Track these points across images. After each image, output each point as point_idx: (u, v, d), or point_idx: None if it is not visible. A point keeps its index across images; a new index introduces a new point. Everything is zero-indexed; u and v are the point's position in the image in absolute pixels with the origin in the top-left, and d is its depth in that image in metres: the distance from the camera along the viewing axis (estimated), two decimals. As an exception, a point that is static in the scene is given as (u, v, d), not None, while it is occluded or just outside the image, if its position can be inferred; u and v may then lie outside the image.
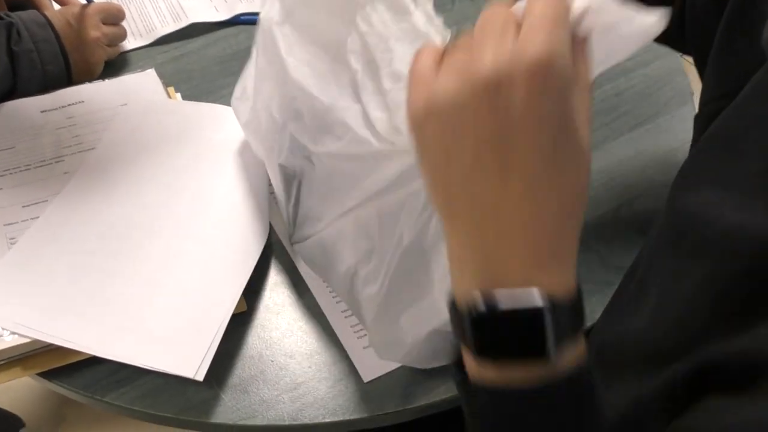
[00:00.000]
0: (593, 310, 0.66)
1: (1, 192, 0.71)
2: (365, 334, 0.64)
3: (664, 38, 0.53)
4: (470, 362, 0.36)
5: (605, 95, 0.84)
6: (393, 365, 0.61)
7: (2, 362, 0.60)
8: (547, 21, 0.32)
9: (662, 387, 0.39)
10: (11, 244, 0.66)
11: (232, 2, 0.94)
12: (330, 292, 0.67)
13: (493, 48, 0.32)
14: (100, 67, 0.83)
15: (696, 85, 0.87)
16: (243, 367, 0.62)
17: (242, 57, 0.88)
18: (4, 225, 0.68)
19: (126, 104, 0.79)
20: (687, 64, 0.90)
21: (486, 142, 0.33)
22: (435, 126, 0.34)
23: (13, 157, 0.74)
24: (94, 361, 0.60)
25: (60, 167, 0.73)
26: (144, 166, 0.73)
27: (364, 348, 0.63)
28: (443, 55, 0.35)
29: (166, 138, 0.75)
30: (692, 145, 0.54)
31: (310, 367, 0.62)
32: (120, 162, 0.73)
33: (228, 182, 0.72)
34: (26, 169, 0.73)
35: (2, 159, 0.74)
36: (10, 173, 0.73)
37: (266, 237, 0.69)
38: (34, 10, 0.80)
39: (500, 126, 0.32)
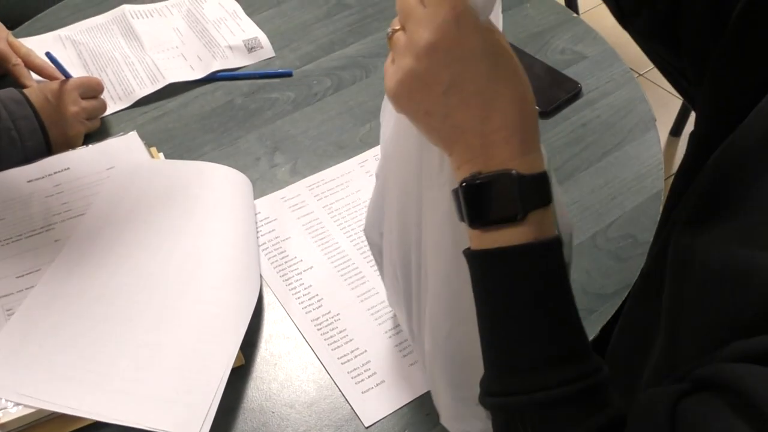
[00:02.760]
0: (578, 338, 0.69)
1: (-5, 265, 0.72)
2: (362, 380, 0.66)
3: (655, 35, 0.58)
4: (470, 236, 0.46)
5: (572, 126, 0.88)
6: (393, 408, 0.63)
7: (9, 434, 0.61)
8: None
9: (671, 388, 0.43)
10: (8, 315, 0.67)
11: (207, 60, 0.97)
12: (325, 340, 0.69)
13: (414, 20, 0.43)
14: (80, 140, 0.84)
15: (657, 110, 0.92)
16: (245, 421, 0.64)
17: (220, 113, 0.91)
18: (0, 297, 0.69)
19: (112, 167, 0.81)
20: (647, 90, 0.94)
21: (447, 86, 0.43)
22: (408, 94, 0.45)
23: (3, 229, 0.75)
24: (100, 426, 0.61)
25: (51, 235, 0.75)
26: (134, 228, 0.74)
27: (362, 393, 0.65)
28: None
29: (154, 199, 0.77)
30: (683, 162, 0.56)
31: (311, 416, 0.64)
32: (110, 226, 0.75)
33: (218, 238, 0.73)
34: (17, 240, 0.74)
35: None
36: (2, 245, 0.74)
37: (259, 290, 0.71)
38: (11, 88, 0.81)
39: (450, 70, 0.43)
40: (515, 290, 0.44)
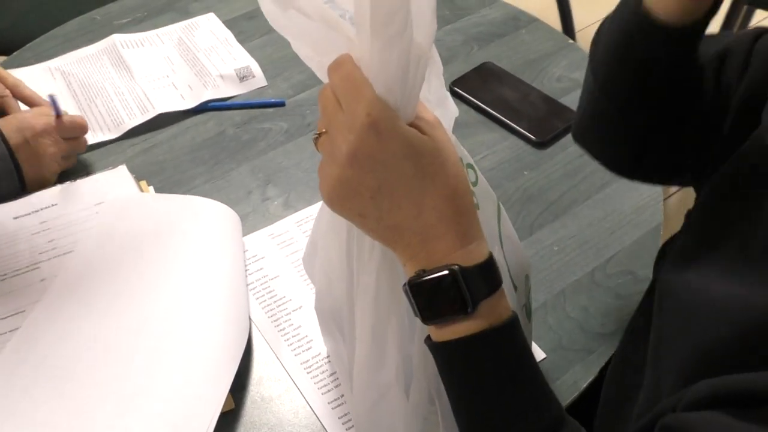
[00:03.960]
0: (577, 380, 0.67)
1: (-24, 306, 0.70)
2: (353, 426, 0.64)
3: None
4: (429, 330, 0.47)
5: (570, 157, 0.86)
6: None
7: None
8: (352, 87, 0.43)
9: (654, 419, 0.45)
10: (-9, 360, 0.66)
11: (198, 90, 0.95)
12: (315, 383, 0.67)
13: (334, 127, 0.44)
14: (54, 178, 0.82)
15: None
16: (234, 470, 0.62)
17: (211, 145, 0.90)
18: (-18, 341, 0.67)
19: (101, 203, 0.79)
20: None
21: (375, 191, 0.44)
22: (340, 200, 0.46)
23: None
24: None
25: (37, 274, 0.73)
26: (122, 268, 0.73)
27: (353, 439, 0.63)
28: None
29: (142, 237, 0.75)
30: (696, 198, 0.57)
31: (301, 464, 0.62)
32: (97, 266, 0.73)
33: (207, 278, 0.72)
34: (2, 279, 0.73)
35: None
36: (-14, 285, 0.72)
37: (248, 331, 0.69)
38: None
39: (375, 175, 0.44)
40: (480, 374, 0.46)
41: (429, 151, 0.44)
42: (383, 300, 0.49)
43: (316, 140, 0.47)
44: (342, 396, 0.66)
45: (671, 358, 0.49)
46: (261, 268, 0.76)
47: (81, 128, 0.84)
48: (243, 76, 0.97)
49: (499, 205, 0.56)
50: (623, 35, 0.56)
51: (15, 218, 0.78)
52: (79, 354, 0.66)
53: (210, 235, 0.76)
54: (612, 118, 0.61)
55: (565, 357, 0.68)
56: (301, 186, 0.85)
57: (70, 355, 0.66)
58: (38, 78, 0.95)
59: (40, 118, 0.81)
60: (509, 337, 0.46)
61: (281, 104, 0.94)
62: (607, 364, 0.67)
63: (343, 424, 0.64)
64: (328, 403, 0.66)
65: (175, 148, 0.89)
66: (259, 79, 0.97)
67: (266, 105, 0.94)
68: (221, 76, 0.96)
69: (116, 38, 1.02)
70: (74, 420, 0.62)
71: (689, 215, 0.55)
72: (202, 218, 0.77)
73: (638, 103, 0.58)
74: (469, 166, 0.52)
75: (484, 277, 0.45)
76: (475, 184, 0.53)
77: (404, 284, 0.47)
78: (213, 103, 0.94)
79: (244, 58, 0.99)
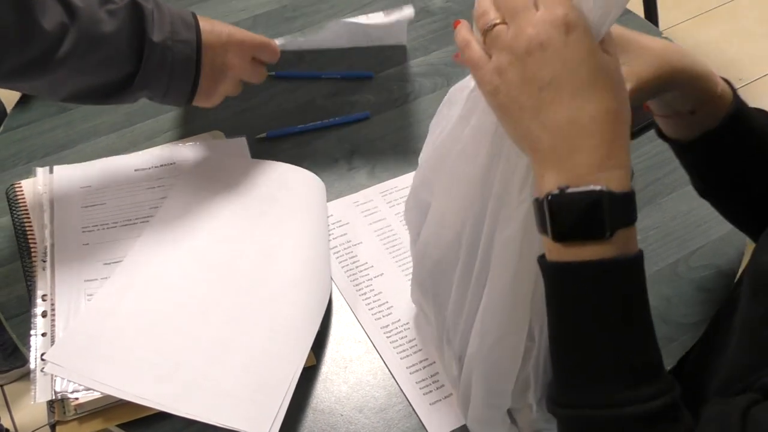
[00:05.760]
0: (655, 367, 0.67)
1: (87, 247, 0.73)
2: (430, 390, 0.65)
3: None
4: (549, 247, 0.46)
5: (656, 150, 0.86)
6: (460, 422, 0.63)
7: (82, 414, 0.63)
8: None
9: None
10: (89, 300, 0.69)
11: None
12: (394, 348, 0.69)
13: (524, 18, 0.44)
14: (220, 99, 0.78)
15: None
16: (314, 421, 0.64)
17: (300, 113, 0.91)
18: (85, 281, 0.71)
19: (218, 169, 0.80)
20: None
21: (546, 83, 0.44)
22: (507, 88, 0.45)
23: (102, 214, 0.76)
24: (166, 415, 0.62)
25: (144, 227, 0.75)
26: (212, 223, 0.75)
27: (430, 404, 0.64)
28: (482, 34, 0.47)
29: (235, 195, 0.78)
30: None
31: (378, 422, 0.64)
32: (189, 218, 0.76)
33: (292, 239, 0.74)
34: (113, 227, 0.75)
35: (94, 214, 0.76)
36: (99, 229, 0.75)
37: (330, 292, 0.71)
38: (189, 10, 0.73)
39: (552, 68, 0.44)
40: (598, 304, 0.45)
41: (608, 70, 0.45)
42: (526, 255, 0.49)
43: (489, 29, 0.46)
44: (420, 362, 0.67)
45: (764, 337, 0.49)
46: (345, 234, 0.78)
47: (272, 53, 0.79)
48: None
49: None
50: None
51: (136, 170, 0.81)
52: (167, 301, 0.69)
53: (297, 199, 0.78)
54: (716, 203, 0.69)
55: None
56: (386, 158, 0.86)
57: (159, 303, 0.69)
58: None
59: (238, 29, 0.76)
60: (636, 271, 0.45)
61: (369, 77, 0.96)
62: (688, 354, 0.67)
63: (421, 389, 0.66)
64: (407, 367, 0.67)
65: (265, 114, 0.92)
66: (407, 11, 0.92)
67: (355, 77, 0.96)
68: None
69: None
70: (161, 368, 0.64)
71: None
72: (290, 183, 0.80)
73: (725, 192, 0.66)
74: None
75: (626, 208, 0.45)
76: None
77: (542, 196, 0.45)
78: (303, 73, 0.96)
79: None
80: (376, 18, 0.94)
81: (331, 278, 0.74)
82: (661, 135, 0.66)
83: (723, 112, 0.59)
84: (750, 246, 0.72)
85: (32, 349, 0.66)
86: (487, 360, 0.55)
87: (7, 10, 0.62)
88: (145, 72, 0.69)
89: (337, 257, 0.76)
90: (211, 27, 0.73)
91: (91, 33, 0.66)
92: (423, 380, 0.66)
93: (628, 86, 0.51)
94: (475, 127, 0.52)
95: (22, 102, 0.93)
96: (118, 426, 0.63)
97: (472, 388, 0.57)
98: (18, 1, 0.63)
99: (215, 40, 0.73)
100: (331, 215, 0.80)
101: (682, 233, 0.77)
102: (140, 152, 0.83)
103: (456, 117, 0.54)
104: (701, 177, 0.67)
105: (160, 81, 0.71)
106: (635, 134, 0.87)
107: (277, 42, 0.81)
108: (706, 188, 0.68)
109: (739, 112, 0.60)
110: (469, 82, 0.53)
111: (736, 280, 0.62)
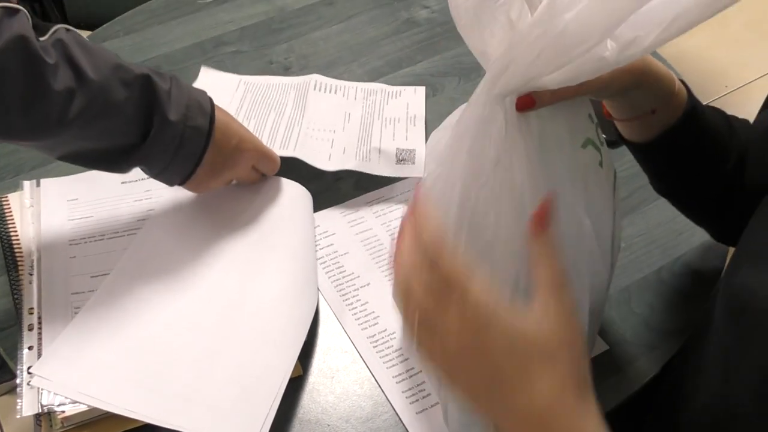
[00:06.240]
0: (639, 374, 0.68)
1: (74, 260, 0.74)
2: (417, 400, 0.66)
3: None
4: None
5: (640, 158, 0.87)
6: (445, 431, 0.63)
7: (69, 427, 0.63)
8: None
9: None
10: (75, 313, 0.69)
11: (349, 154, 0.86)
12: (381, 357, 0.69)
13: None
14: (207, 191, 0.77)
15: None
16: (301, 431, 0.64)
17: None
18: (72, 294, 0.71)
19: None
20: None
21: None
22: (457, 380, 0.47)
23: (89, 227, 0.76)
24: (154, 428, 0.62)
25: (132, 239, 0.75)
26: (198, 235, 0.76)
27: (417, 413, 0.65)
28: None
29: (219, 207, 0.78)
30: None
31: (365, 432, 0.64)
32: (175, 231, 0.76)
33: (279, 251, 0.74)
34: (100, 239, 0.76)
35: (81, 227, 0.76)
36: (86, 242, 0.75)
37: (316, 302, 0.72)
38: (208, 96, 0.72)
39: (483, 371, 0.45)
40: None
41: (538, 344, 0.44)
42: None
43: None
44: (407, 371, 0.68)
45: (749, 366, 0.48)
46: (331, 244, 0.79)
47: (274, 166, 0.80)
48: (401, 159, 0.86)
49: (615, 174, 0.59)
50: None
51: (123, 183, 0.81)
52: (155, 314, 0.69)
53: (283, 210, 0.79)
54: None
55: (628, 351, 0.69)
56: (373, 169, 0.87)
57: (147, 315, 0.69)
58: (226, 82, 0.95)
59: (250, 138, 0.77)
60: None
61: (356, 89, 0.96)
62: (671, 361, 0.68)
63: (407, 398, 0.66)
64: (393, 377, 0.68)
65: (251, 125, 0.92)
66: (417, 167, 0.84)
67: (341, 89, 0.96)
68: (379, 150, 0.86)
69: (315, 78, 0.96)
70: (148, 380, 0.64)
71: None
72: (275, 194, 0.80)
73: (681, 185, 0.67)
74: (589, 141, 0.54)
75: None
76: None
77: None
78: (290, 85, 0.96)
79: (415, 141, 0.88)
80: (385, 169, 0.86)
81: (318, 289, 0.74)
82: (620, 138, 0.67)
83: (680, 110, 0.60)
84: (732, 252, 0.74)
85: (19, 362, 0.66)
86: None
87: (18, 76, 0.60)
88: (149, 146, 0.68)
89: (324, 268, 0.77)
90: (225, 126, 0.72)
91: (101, 100, 0.64)
92: (409, 389, 0.67)
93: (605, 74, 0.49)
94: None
95: (10, 115, 0.93)
96: (105, 439, 0.63)
97: (449, 397, 0.58)
98: (29, 66, 0.60)
99: (225, 143, 0.72)
100: (318, 226, 0.81)
101: (666, 240, 0.78)
102: None
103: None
104: (660, 176, 0.68)
105: (160, 159, 0.70)
106: (617, 143, 0.88)
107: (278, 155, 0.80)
108: (664, 187, 0.69)
109: (695, 109, 0.61)
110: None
111: (712, 293, 0.63)
